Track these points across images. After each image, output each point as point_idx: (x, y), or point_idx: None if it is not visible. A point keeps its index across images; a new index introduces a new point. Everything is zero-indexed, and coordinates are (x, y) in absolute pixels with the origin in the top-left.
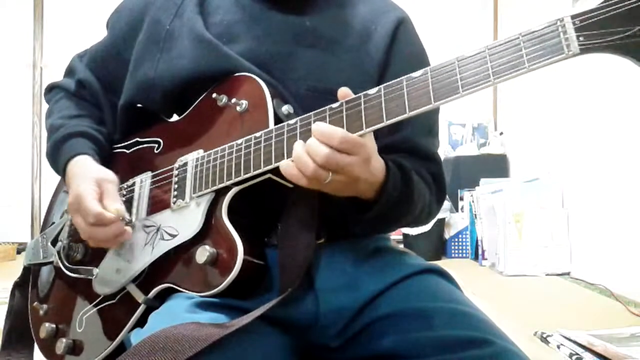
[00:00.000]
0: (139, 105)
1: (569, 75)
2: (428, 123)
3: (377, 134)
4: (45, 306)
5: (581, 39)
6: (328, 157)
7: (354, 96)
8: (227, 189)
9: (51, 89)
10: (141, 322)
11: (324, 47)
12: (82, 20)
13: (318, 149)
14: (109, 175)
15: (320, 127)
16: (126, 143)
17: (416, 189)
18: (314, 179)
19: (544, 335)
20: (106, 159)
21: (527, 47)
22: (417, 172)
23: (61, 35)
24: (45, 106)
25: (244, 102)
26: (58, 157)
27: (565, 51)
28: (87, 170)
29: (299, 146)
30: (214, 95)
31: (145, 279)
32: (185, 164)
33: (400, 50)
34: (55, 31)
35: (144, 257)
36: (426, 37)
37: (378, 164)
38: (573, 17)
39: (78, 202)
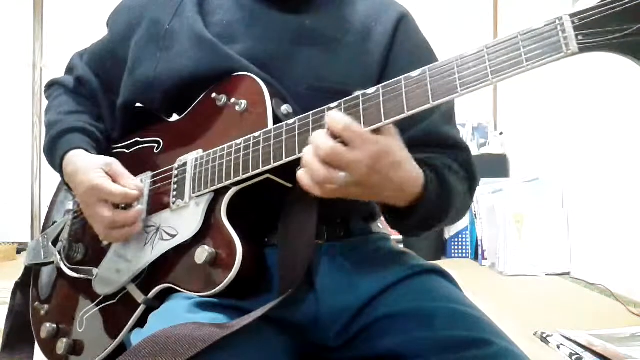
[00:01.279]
0: (138, 104)
1: (569, 76)
2: (447, 111)
3: (399, 127)
4: (46, 306)
5: (580, 37)
6: (331, 148)
7: (352, 96)
8: (226, 189)
9: (50, 85)
10: (141, 322)
11: (323, 46)
12: (82, 20)
13: (321, 141)
14: (110, 158)
15: (331, 113)
16: (126, 143)
17: (453, 192)
18: (327, 181)
19: (544, 335)
20: (103, 155)
21: (525, 46)
22: (448, 166)
23: (61, 35)
24: (45, 106)
25: (243, 102)
26: (54, 152)
27: (564, 50)
28: (88, 162)
29: (308, 153)
30: (214, 95)
31: (145, 279)
32: (185, 164)
33: (401, 47)
34: (55, 31)
35: (144, 257)
36: (426, 37)
37: (405, 169)
38: (572, 15)
39: (97, 191)
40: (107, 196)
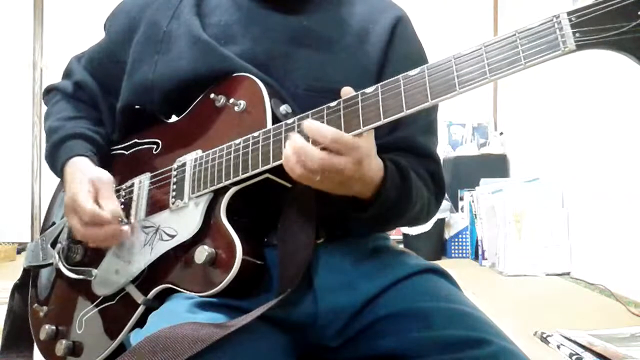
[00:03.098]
0: (137, 106)
1: (569, 76)
2: (427, 121)
3: (376, 133)
4: (45, 308)
5: (577, 35)
6: (321, 161)
7: (351, 95)
8: (225, 189)
9: (49, 91)
10: (141, 323)
11: (322, 46)
12: (82, 21)
13: (311, 152)
14: (104, 175)
15: (312, 125)
16: (125, 144)
17: (414, 188)
18: (304, 178)
19: (544, 335)
20: (105, 160)
21: (523, 44)
22: (415, 170)
23: (61, 35)
24: (45, 107)
25: (242, 102)
26: (56, 159)
27: (562, 47)
28: (82, 171)
29: (287, 146)
30: (212, 95)
31: (145, 280)
32: (184, 165)
33: (398, 49)
34: (55, 31)
35: (143, 258)
36: (426, 36)
37: (374, 164)
38: (569, 13)
39: (73, 202)
40: (78, 210)
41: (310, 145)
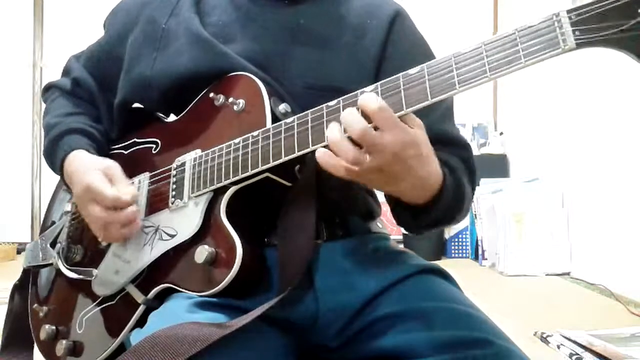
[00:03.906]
0: (135, 105)
1: (569, 76)
2: (446, 110)
3: None
4: (45, 308)
5: (577, 33)
6: (363, 130)
7: (350, 94)
8: (225, 188)
9: (47, 88)
10: (141, 323)
11: (320, 44)
12: (82, 20)
13: (355, 119)
14: (111, 162)
15: (365, 94)
16: (124, 144)
17: (466, 194)
18: (355, 162)
19: (544, 335)
20: (103, 156)
21: (523, 42)
22: (459, 167)
23: (61, 35)
24: (44, 105)
25: (241, 102)
26: (55, 154)
27: (562, 46)
28: (88, 163)
29: (336, 131)
30: (211, 94)
31: (145, 280)
32: (183, 164)
33: (397, 44)
34: (55, 31)
35: (143, 258)
36: (426, 35)
37: (430, 165)
38: (569, 11)
39: (90, 192)
40: (99, 198)
41: (353, 115)
